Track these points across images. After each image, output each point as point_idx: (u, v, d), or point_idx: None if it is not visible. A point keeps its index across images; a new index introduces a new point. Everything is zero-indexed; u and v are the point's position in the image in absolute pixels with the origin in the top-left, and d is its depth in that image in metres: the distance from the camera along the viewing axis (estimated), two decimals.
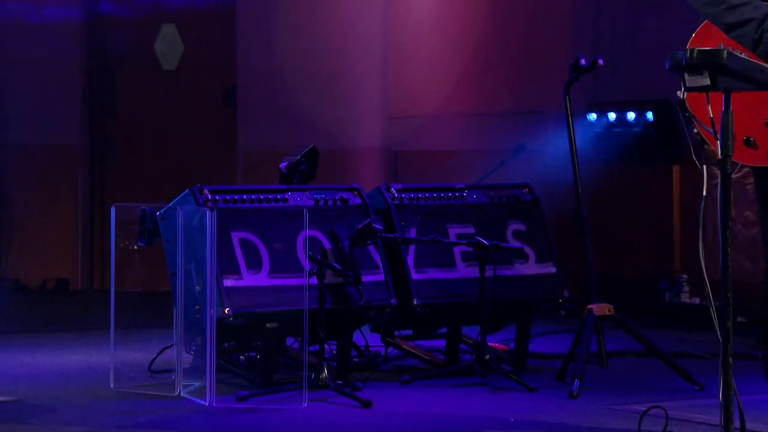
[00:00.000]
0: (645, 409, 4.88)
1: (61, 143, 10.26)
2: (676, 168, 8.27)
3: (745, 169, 8.06)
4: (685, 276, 8.14)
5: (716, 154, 4.59)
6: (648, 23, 8.47)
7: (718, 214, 4.06)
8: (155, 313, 6.24)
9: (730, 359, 3.82)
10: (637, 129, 8.28)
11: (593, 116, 8.32)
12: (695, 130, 4.88)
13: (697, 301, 7.98)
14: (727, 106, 3.98)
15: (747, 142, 4.86)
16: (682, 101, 4.35)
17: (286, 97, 9.67)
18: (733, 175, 7.86)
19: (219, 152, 9.82)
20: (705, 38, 4.94)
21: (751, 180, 7.89)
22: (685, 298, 8.03)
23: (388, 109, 9.87)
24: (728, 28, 4.89)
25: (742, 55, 4.14)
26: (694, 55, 3.95)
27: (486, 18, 9.40)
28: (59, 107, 10.16)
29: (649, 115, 8.24)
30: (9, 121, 9.85)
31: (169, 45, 9.60)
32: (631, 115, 8.30)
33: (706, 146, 4.83)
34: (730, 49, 4.02)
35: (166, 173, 9.22)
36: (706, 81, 3.92)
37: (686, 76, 3.96)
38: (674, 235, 8.28)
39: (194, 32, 9.67)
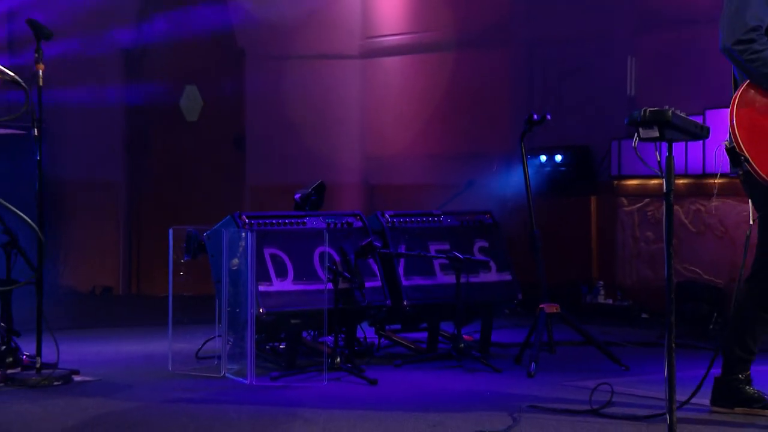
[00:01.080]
0: (592, 384, 4.94)
1: (107, 179, 10.31)
2: (593, 198, 8.33)
3: (647, 199, 8.34)
4: (601, 282, 8.15)
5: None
6: (569, 85, 8.48)
7: (664, 235, 4.05)
8: (197, 313, 6.31)
9: (673, 345, 3.92)
10: (562, 168, 8.30)
11: (542, 157, 8.35)
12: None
13: (610, 301, 8.03)
14: (670, 153, 4.02)
15: None
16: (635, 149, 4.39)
17: (284, 143, 9.68)
18: (635, 206, 8.03)
19: (230, 186, 9.82)
20: (748, 100, 4.70)
21: (651, 207, 8.05)
22: (600, 299, 8.05)
23: (365, 151, 9.84)
24: None
25: (682, 114, 4.14)
26: (647, 113, 4.03)
27: (444, 80, 9.34)
28: (105, 150, 10.21)
29: (570, 157, 8.26)
30: (66, 162, 9.84)
31: (191, 101, 9.67)
32: (558, 157, 8.33)
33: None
34: (674, 109, 4.05)
35: (188, 202, 9.31)
36: (656, 134, 4.01)
37: (641, 129, 4.04)
38: (592, 250, 8.36)
39: (211, 91, 9.69)
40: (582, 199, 8.40)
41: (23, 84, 2.53)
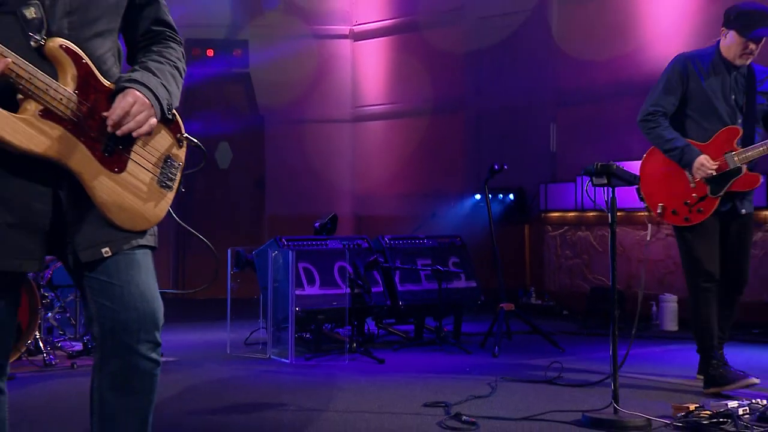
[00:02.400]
0: (544, 362, 5.16)
1: None
2: (526, 226, 8.37)
3: (566, 227, 8.20)
4: (533, 287, 8.14)
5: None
6: (508, 143, 8.48)
7: (610, 254, 4.03)
8: (240, 311, 6.39)
9: (616, 332, 3.97)
10: (506, 203, 8.29)
11: (478, 196, 8.37)
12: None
13: (540, 302, 7.99)
14: (613, 197, 4.00)
15: (674, 212, 4.65)
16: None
17: (294, 183, 9.59)
18: (557, 232, 8.13)
19: (253, 217, 9.76)
20: (652, 155, 4.74)
21: (569, 233, 8.19)
22: (533, 300, 8.01)
23: (354, 190, 9.83)
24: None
25: (621, 167, 4.11)
26: (598, 166, 3.97)
27: (415, 138, 9.32)
28: None
29: (512, 197, 8.28)
30: None
31: (223, 154, 9.57)
32: (501, 196, 8.31)
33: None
34: (616, 164, 4.03)
35: (223, 228, 9.00)
36: (604, 181, 3.96)
37: (593, 178, 3.99)
38: (526, 264, 8.40)
39: (239, 146, 9.61)
40: (519, 226, 8.32)
41: (203, 147, 2.59)
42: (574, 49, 8.10)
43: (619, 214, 4.16)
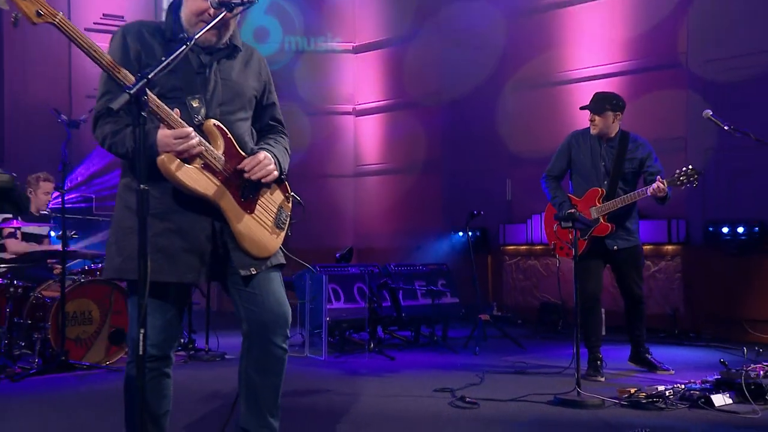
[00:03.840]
0: (512, 359, 5.29)
1: None
2: (489, 256, 8.24)
3: (519, 257, 7.99)
4: (495, 302, 7.96)
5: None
6: (475, 195, 8.18)
7: (574, 281, 4.02)
8: None
9: (579, 335, 4.00)
10: (474, 237, 7.98)
11: (460, 233, 8.14)
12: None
13: (500, 314, 7.75)
14: (575, 235, 4.02)
15: (561, 248, 4.71)
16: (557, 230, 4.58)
17: (308, 224, 9.29)
18: (513, 260, 8.18)
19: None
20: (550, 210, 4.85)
21: (521, 262, 7.93)
22: (495, 312, 7.69)
23: (356, 229, 9.59)
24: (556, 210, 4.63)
25: (581, 215, 4.24)
26: (566, 214, 4.08)
27: (404, 191, 9.16)
28: None
29: (478, 234, 8.13)
30: None
31: None
32: (470, 233, 8.14)
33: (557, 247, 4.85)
34: (579, 212, 4.17)
35: None
36: (570, 225, 3.95)
37: (563, 223, 4.02)
38: (489, 285, 8.16)
39: None
40: (483, 256, 8.13)
41: (303, 203, 2.76)
42: (523, 123, 8.09)
43: (542, 247, 4.18)
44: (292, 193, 2.65)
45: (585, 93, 7.55)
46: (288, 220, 2.61)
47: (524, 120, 8.15)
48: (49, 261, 5.34)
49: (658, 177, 4.38)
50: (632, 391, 3.85)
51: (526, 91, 8.15)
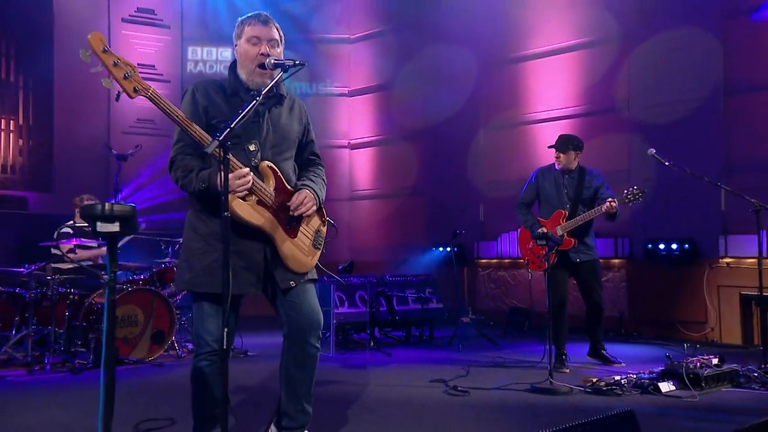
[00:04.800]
0: (491, 354, 5.31)
1: None
2: (466, 268, 8.16)
3: (490, 269, 8.01)
4: (470, 307, 7.79)
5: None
6: (453, 218, 8.20)
7: (546, 284, 4.02)
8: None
9: (551, 333, 3.95)
10: (453, 253, 7.93)
11: (440, 248, 8.19)
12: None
13: (475, 317, 7.39)
14: (548, 252, 4.02)
15: (533, 263, 4.81)
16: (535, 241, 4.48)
17: None
18: (485, 272, 8.26)
19: None
20: (524, 228, 4.89)
21: (492, 272, 7.93)
22: (471, 315, 7.21)
23: (351, 245, 9.26)
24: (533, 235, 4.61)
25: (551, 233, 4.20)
26: (540, 234, 4.00)
27: (392, 212, 9.14)
28: None
29: (456, 249, 7.99)
30: None
31: None
32: (449, 248, 7.90)
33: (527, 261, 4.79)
34: (550, 233, 4.17)
35: None
36: (544, 243, 3.98)
37: (538, 241, 3.97)
38: (464, 292, 8.09)
39: None
40: (461, 268, 8.05)
41: (336, 226, 2.90)
42: (493, 156, 8.15)
43: (521, 261, 4.16)
44: (328, 218, 2.76)
45: (546, 132, 7.77)
46: (323, 240, 2.73)
47: (495, 153, 8.25)
48: (100, 272, 5.36)
49: (610, 198, 4.50)
50: (594, 380, 3.93)
51: (497, 129, 8.26)
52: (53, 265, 5.18)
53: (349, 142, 9.90)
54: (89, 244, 5.32)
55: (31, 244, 5.57)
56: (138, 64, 8.79)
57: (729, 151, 6.23)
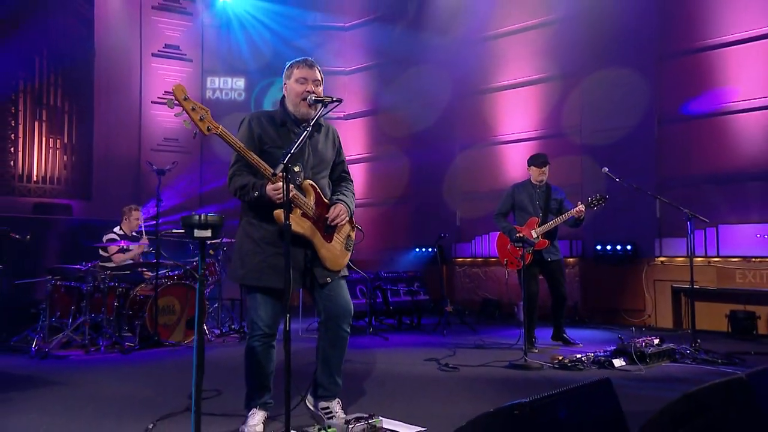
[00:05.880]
0: (473, 338, 5.18)
1: None
2: (444, 266, 7.93)
3: (465, 266, 8.03)
4: (448, 299, 7.17)
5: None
6: (435, 224, 8.01)
7: (522, 283, 4.02)
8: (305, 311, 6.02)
9: (527, 323, 4.05)
10: (438, 252, 7.76)
11: (423, 249, 7.95)
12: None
13: (452, 308, 7.39)
14: (524, 252, 4.03)
15: (510, 263, 4.72)
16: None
17: None
18: (461, 269, 8.35)
19: None
20: (501, 234, 4.88)
21: (468, 270, 7.80)
22: (449, 307, 7.49)
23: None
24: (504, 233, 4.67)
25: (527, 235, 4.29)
26: (518, 238, 4.08)
27: (384, 220, 8.84)
28: None
29: (437, 251, 7.50)
30: None
31: None
32: (430, 249, 7.99)
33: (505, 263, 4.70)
34: (525, 236, 4.19)
35: None
36: (520, 245, 4.08)
37: (516, 243, 4.04)
38: (445, 287, 7.77)
39: None
40: (440, 266, 7.48)
41: (362, 231, 3.03)
42: (469, 170, 8.16)
43: (482, 259, 4.09)
44: (357, 226, 2.90)
45: (512, 152, 7.92)
46: (353, 244, 2.87)
47: (469, 169, 8.28)
48: (140, 269, 5.43)
49: (579, 203, 4.53)
50: (560, 358, 4.04)
51: (471, 148, 8.33)
52: (101, 264, 5.22)
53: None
54: (130, 247, 5.36)
55: (78, 245, 5.65)
56: (164, 92, 9.20)
57: (660, 169, 6.39)
